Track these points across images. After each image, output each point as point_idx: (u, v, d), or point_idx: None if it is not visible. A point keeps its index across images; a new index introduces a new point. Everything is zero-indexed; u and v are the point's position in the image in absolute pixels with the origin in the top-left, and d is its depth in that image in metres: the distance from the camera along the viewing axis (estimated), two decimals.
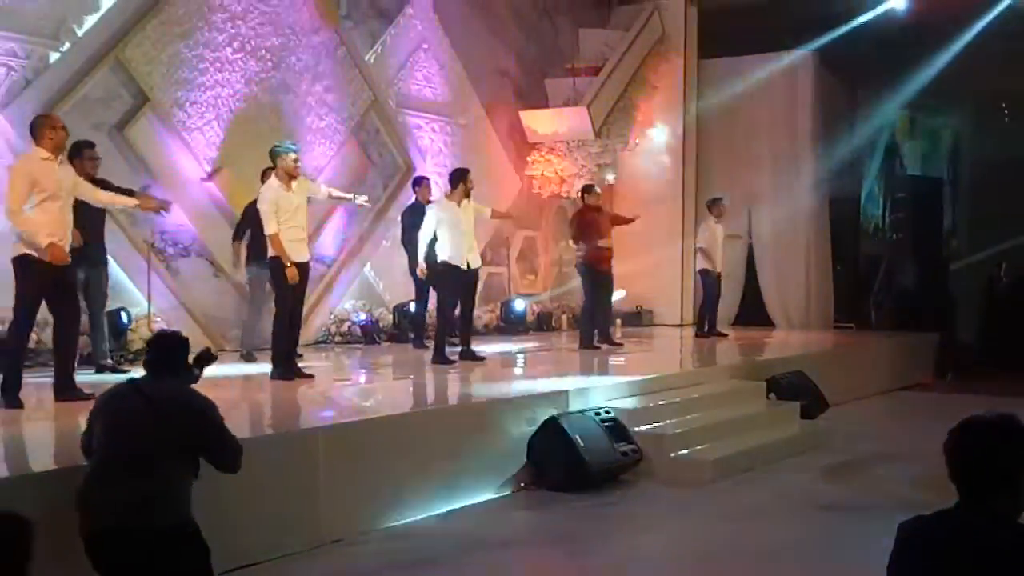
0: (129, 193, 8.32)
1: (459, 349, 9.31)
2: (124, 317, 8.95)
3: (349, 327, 11.37)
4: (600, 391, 7.66)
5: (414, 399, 7.94)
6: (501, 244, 13.72)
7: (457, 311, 9.38)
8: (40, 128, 6.29)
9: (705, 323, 12.82)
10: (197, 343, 9.85)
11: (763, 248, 14.90)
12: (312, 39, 11.10)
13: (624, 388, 8.03)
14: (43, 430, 5.81)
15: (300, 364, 8.11)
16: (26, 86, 8.61)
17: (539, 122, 14.35)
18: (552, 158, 14.31)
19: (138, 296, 9.29)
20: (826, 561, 5.29)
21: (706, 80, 15.16)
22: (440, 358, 8.97)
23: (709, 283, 12.75)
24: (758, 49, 14.52)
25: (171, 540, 3.71)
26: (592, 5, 15.66)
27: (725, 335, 12.80)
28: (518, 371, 9.37)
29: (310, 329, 10.72)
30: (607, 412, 7.15)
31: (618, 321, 12.78)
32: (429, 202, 10.37)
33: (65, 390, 6.30)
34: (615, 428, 7.02)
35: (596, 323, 10.98)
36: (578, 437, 6.65)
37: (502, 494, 6.51)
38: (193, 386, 4.19)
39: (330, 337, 11.25)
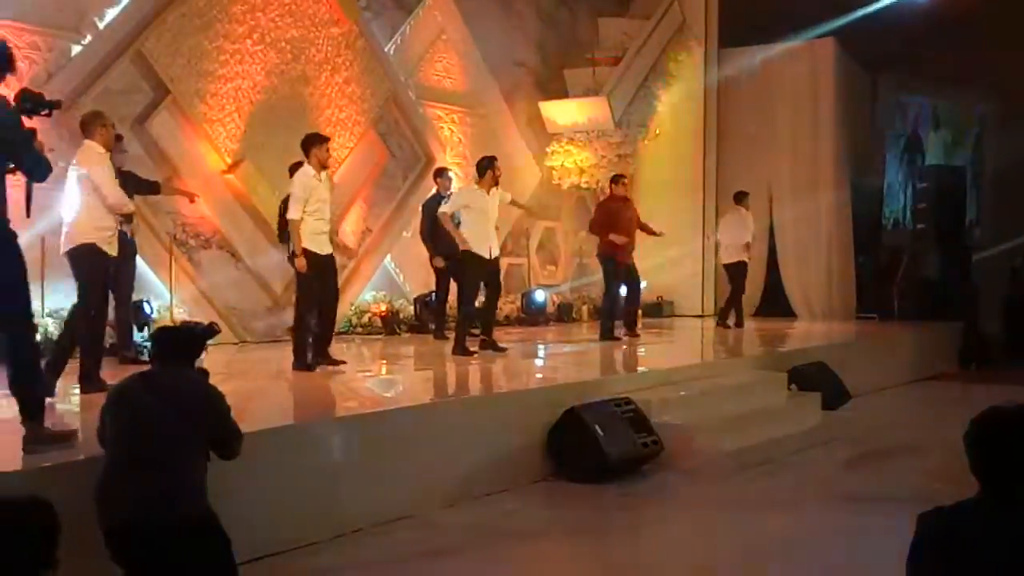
0: (155, 185, 8.39)
1: (479, 339, 9.30)
2: (147, 308, 9.02)
3: (370, 318, 11.40)
4: (621, 382, 7.65)
5: (435, 390, 7.96)
6: (521, 235, 13.73)
7: (479, 300, 9.35)
8: (92, 125, 6.40)
9: (728, 314, 12.74)
10: (219, 335, 9.93)
11: (785, 238, 14.83)
12: (332, 30, 11.11)
13: (645, 379, 8.01)
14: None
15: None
16: (48, 79, 8.66)
17: (559, 112, 14.32)
18: (572, 149, 14.28)
19: (160, 287, 9.36)
20: (847, 552, 5.27)
21: (726, 69, 15.08)
22: (460, 349, 8.94)
23: (729, 274, 12.73)
24: (778, 37, 14.42)
25: (190, 533, 3.73)
26: None
27: (727, 327, 12.68)
28: (538, 362, 9.36)
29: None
30: (627, 403, 7.13)
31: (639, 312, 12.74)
32: (450, 193, 10.38)
33: (93, 381, 6.33)
34: (635, 419, 7.00)
35: (614, 314, 10.92)
36: (598, 428, 6.64)
37: (523, 485, 6.50)
38: (209, 376, 4.22)
39: (351, 328, 11.28)
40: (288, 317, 10.50)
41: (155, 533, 3.69)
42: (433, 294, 11.24)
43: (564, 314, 13.95)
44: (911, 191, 16.44)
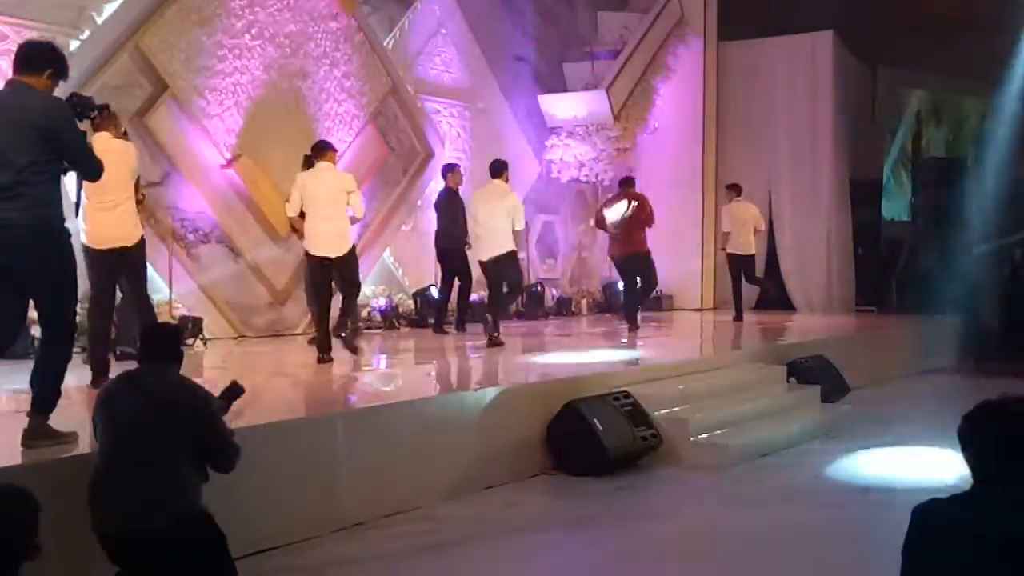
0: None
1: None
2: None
3: (369, 313, 11.41)
4: (620, 375, 7.66)
5: (434, 384, 7.97)
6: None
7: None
8: (105, 121, 6.46)
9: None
10: (218, 329, 9.97)
11: (784, 231, 14.83)
12: (330, 25, 11.10)
13: (644, 372, 8.02)
14: None
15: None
16: None
17: (558, 106, 14.32)
18: (571, 142, 14.29)
19: (159, 282, 9.36)
20: (845, 546, 5.28)
21: (725, 62, 15.08)
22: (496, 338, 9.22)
23: (730, 266, 12.79)
24: (777, 30, 14.42)
25: (182, 536, 3.68)
26: None
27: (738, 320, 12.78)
28: (537, 356, 9.37)
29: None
30: (626, 396, 7.13)
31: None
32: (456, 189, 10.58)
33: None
34: (634, 412, 7.01)
35: (623, 306, 11.22)
36: (597, 422, 6.65)
37: (522, 479, 6.52)
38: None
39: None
40: (287, 312, 10.56)
41: (141, 538, 3.66)
42: (432, 287, 11.27)
43: (563, 308, 13.96)
44: (911, 184, 16.44)
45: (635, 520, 5.86)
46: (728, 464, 6.98)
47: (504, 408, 6.62)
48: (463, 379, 8.31)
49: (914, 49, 14.44)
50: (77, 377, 5.95)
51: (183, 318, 9.14)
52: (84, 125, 5.08)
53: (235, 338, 10.03)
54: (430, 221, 11.65)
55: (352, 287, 8.22)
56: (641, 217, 10.98)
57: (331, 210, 7.97)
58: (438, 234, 10.69)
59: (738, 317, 12.76)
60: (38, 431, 4.47)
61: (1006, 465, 2.43)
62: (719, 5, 14.97)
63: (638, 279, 11.24)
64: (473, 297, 11.06)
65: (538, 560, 5.28)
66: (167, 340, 4.17)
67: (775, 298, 14.57)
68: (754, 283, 13.10)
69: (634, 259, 11.03)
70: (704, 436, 7.28)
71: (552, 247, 14.61)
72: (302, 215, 8.11)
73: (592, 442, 6.58)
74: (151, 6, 9.41)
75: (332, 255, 7.98)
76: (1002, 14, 13.60)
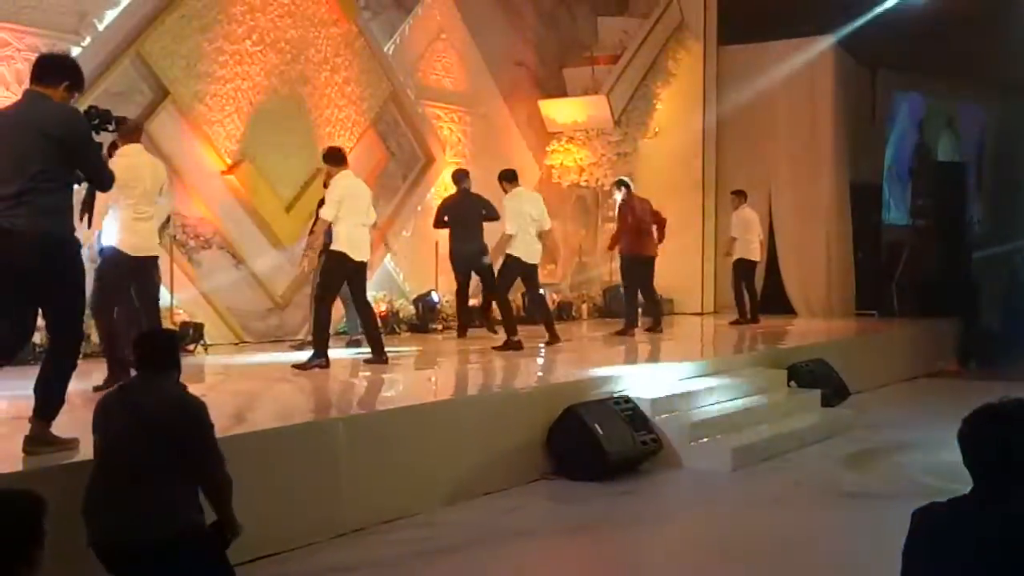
0: None
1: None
2: None
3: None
4: (620, 380, 7.66)
5: (435, 389, 7.97)
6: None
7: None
8: (134, 133, 6.70)
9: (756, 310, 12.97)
10: (219, 335, 9.97)
11: (784, 235, 14.83)
12: (331, 30, 11.12)
13: (644, 376, 8.02)
14: None
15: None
16: None
17: (558, 111, 14.33)
18: (571, 147, 14.30)
19: (160, 288, 9.35)
20: (846, 549, 5.29)
21: (726, 67, 15.08)
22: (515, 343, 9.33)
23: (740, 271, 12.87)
24: (778, 35, 14.43)
25: (179, 548, 3.64)
26: None
27: (757, 320, 12.96)
28: (538, 360, 9.38)
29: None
30: (627, 401, 7.15)
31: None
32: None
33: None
34: (635, 417, 7.02)
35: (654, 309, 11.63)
36: (597, 426, 6.65)
37: (522, 483, 6.52)
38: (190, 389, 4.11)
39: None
40: (288, 318, 10.57)
41: (132, 552, 3.64)
42: (433, 292, 11.31)
43: (564, 313, 13.95)
44: (911, 187, 16.44)
45: (636, 524, 5.87)
46: (728, 468, 6.99)
47: (504, 413, 6.63)
48: (463, 384, 8.31)
49: (914, 52, 14.45)
50: (80, 383, 5.97)
51: (184, 324, 9.15)
52: (101, 137, 5.13)
53: (235, 344, 10.04)
54: (429, 226, 11.65)
55: (365, 294, 8.34)
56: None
57: (366, 216, 8.15)
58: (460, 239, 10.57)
59: (753, 319, 12.90)
60: (40, 438, 4.48)
61: (1005, 468, 2.43)
62: (719, 9, 14.97)
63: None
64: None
65: (539, 565, 5.28)
66: (163, 348, 4.12)
67: (775, 302, 14.59)
68: (752, 293, 13.11)
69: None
70: (704, 440, 7.29)
71: (553, 252, 14.60)
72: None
73: (593, 447, 6.58)
74: (152, 12, 9.43)
75: (367, 259, 8.18)
76: (1003, 16, 13.61)
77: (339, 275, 8.03)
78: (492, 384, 8.02)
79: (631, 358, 9.85)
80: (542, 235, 9.83)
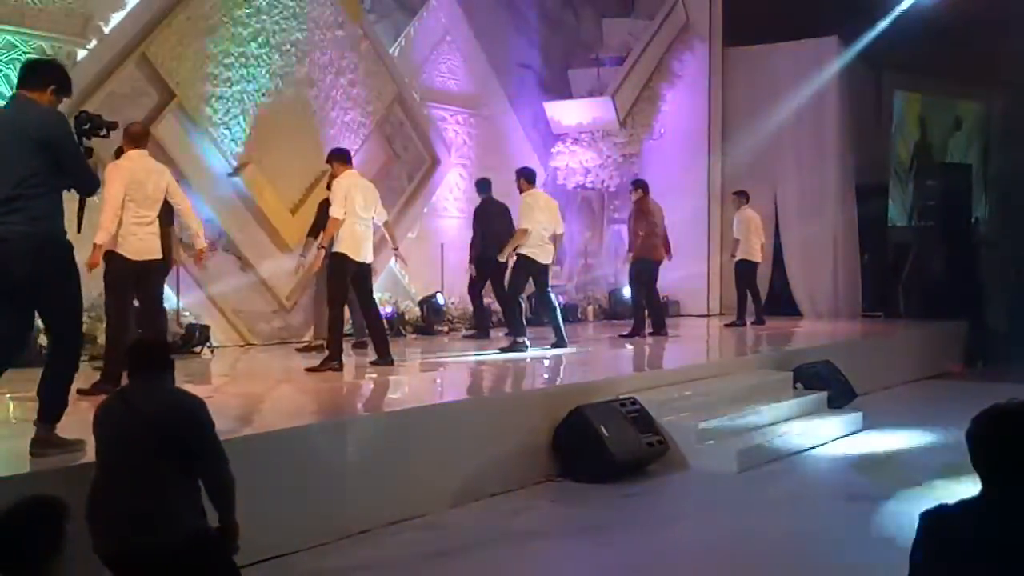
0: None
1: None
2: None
3: None
4: (626, 381, 7.65)
5: (440, 391, 7.98)
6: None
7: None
8: (145, 138, 6.78)
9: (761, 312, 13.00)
10: (224, 337, 9.97)
11: (790, 237, 14.82)
12: (336, 33, 11.13)
13: (650, 378, 8.01)
14: None
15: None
16: None
17: (563, 113, 14.33)
18: (577, 149, 14.31)
19: (166, 291, 9.36)
20: (853, 551, 5.27)
21: (731, 68, 15.08)
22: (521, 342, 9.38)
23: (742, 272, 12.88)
24: (783, 36, 14.42)
25: (183, 552, 3.63)
26: None
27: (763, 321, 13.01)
28: (544, 362, 9.38)
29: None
30: (632, 402, 7.14)
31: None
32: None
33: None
34: (640, 418, 7.01)
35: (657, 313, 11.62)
36: (604, 428, 6.65)
37: (528, 485, 6.52)
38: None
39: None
40: (293, 320, 10.58)
41: (138, 559, 3.63)
42: (438, 295, 11.33)
43: (569, 314, 13.94)
44: (917, 189, 16.41)
45: (642, 526, 5.86)
46: (734, 470, 6.97)
47: (510, 414, 6.63)
48: (469, 386, 8.31)
49: (919, 54, 14.43)
50: (83, 385, 5.98)
51: (191, 326, 9.16)
52: (94, 142, 5.11)
53: (241, 346, 10.05)
54: (435, 228, 11.71)
55: (371, 295, 8.36)
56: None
57: (366, 214, 8.15)
58: (482, 244, 10.74)
59: (758, 320, 12.94)
60: (46, 440, 4.49)
61: (1014, 469, 2.43)
62: (724, 10, 14.97)
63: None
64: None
65: (545, 567, 5.28)
66: (152, 352, 4.10)
67: (781, 304, 14.59)
68: (755, 294, 13.11)
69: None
70: (711, 442, 7.27)
71: (558, 254, 14.60)
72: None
73: (599, 448, 6.58)
74: (158, 15, 9.44)
75: (370, 261, 8.15)
76: (1010, 18, 13.59)
77: (342, 276, 8.05)
78: (498, 386, 8.01)
79: (637, 360, 9.83)
80: (554, 238, 9.82)
